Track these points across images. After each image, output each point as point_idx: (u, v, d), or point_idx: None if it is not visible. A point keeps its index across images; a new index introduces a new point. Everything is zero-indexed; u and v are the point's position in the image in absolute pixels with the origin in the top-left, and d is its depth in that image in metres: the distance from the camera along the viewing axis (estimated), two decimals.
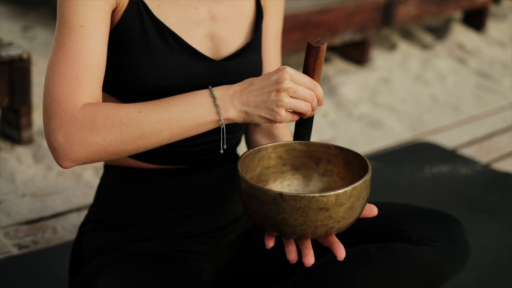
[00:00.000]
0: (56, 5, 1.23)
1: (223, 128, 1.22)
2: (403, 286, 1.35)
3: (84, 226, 1.45)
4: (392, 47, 4.13)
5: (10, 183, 2.30)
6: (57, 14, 1.21)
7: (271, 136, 1.47)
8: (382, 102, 3.43)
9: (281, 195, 1.12)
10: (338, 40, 3.52)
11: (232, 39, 1.37)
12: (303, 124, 1.28)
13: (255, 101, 1.19)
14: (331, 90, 3.45)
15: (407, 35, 4.36)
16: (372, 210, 1.26)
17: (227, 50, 1.36)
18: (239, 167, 1.20)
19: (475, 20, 4.55)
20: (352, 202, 1.15)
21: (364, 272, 1.33)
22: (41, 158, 2.45)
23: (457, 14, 4.72)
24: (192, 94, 1.20)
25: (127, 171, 1.39)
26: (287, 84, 1.18)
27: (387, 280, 1.34)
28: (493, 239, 2.15)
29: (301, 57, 3.70)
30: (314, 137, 2.86)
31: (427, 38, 4.37)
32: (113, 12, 1.25)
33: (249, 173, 1.27)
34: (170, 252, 1.39)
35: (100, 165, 2.39)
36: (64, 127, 1.15)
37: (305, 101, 1.20)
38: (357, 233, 1.39)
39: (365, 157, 1.24)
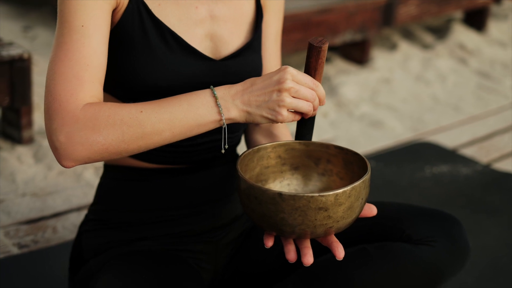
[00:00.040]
0: (56, 5, 1.23)
1: (224, 128, 1.22)
2: (403, 286, 1.35)
3: (84, 226, 1.45)
4: (392, 47, 4.13)
5: (10, 183, 2.30)
6: (58, 14, 1.22)
7: (271, 135, 1.47)
8: (382, 102, 3.43)
9: (280, 194, 1.12)
10: (339, 40, 3.52)
11: (232, 39, 1.37)
12: (305, 124, 1.28)
13: (257, 101, 1.19)
14: (331, 90, 3.45)
15: (408, 35, 4.36)
16: (371, 210, 1.26)
17: (227, 49, 1.36)
18: (238, 167, 1.20)
19: (476, 20, 4.55)
20: (351, 202, 1.15)
21: (364, 271, 1.33)
22: (42, 158, 2.45)
23: (458, 14, 4.72)
24: (194, 94, 1.20)
25: (127, 171, 1.39)
26: (289, 84, 1.18)
27: (387, 279, 1.34)
28: (493, 239, 2.15)
29: (301, 57, 3.70)
30: (315, 137, 2.86)
31: (428, 38, 4.37)
32: (113, 11, 1.25)
33: (248, 172, 1.27)
34: (170, 251, 1.40)
35: (100, 164, 2.40)
36: (65, 126, 1.15)
37: (307, 101, 1.20)
38: (356, 232, 1.39)
39: (364, 157, 1.24)
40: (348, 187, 1.13)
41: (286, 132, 1.49)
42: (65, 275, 1.69)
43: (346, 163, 1.29)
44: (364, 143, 2.93)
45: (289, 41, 3.19)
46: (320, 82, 1.23)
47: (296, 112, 1.22)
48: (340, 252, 1.19)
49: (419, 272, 1.35)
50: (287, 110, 1.20)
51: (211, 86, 1.21)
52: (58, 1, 1.21)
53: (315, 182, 1.33)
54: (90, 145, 1.15)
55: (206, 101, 1.19)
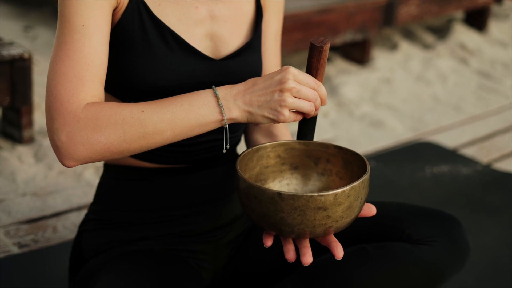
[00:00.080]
0: (57, 5, 1.23)
1: (226, 128, 1.22)
2: (403, 286, 1.35)
3: (84, 225, 1.45)
4: (393, 47, 4.13)
5: (11, 182, 2.30)
6: (58, 14, 1.22)
7: (271, 135, 1.47)
8: (383, 102, 3.43)
9: (279, 194, 1.12)
10: (339, 40, 3.52)
11: (232, 39, 1.37)
12: (307, 124, 1.28)
13: (258, 101, 1.19)
14: (332, 90, 3.45)
15: (409, 35, 4.36)
16: (370, 210, 1.26)
17: (226, 49, 1.36)
18: (238, 166, 1.21)
19: (477, 20, 4.55)
20: (350, 201, 1.15)
21: (363, 271, 1.33)
22: (42, 157, 2.45)
23: (459, 14, 4.72)
24: (196, 94, 1.20)
25: (127, 170, 1.39)
26: (291, 84, 1.18)
27: (386, 279, 1.34)
28: (493, 239, 2.15)
29: (302, 57, 3.70)
30: (315, 137, 2.87)
31: (429, 38, 4.37)
32: (114, 11, 1.25)
33: (248, 172, 1.27)
34: (170, 251, 1.40)
35: (100, 164, 2.40)
36: (67, 126, 1.15)
37: (309, 101, 1.20)
38: (355, 232, 1.39)
39: (364, 157, 1.24)
40: (347, 187, 1.14)
41: (286, 131, 1.49)
42: (65, 275, 1.69)
43: (345, 163, 1.29)
44: (365, 143, 2.93)
45: (290, 41, 3.19)
46: (321, 82, 1.23)
47: (297, 112, 1.22)
48: (339, 252, 1.19)
49: (419, 272, 1.35)
50: (289, 110, 1.20)
51: (213, 86, 1.21)
52: (59, 1, 1.22)
53: (315, 182, 1.33)
54: (92, 145, 1.15)
55: (208, 101, 1.20)
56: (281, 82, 1.18)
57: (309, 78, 1.20)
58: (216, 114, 1.20)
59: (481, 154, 2.86)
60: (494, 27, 4.66)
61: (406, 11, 3.86)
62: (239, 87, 1.21)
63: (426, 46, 4.25)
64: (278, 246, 1.34)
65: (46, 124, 1.18)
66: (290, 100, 1.18)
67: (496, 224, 2.25)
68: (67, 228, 2.06)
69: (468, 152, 2.87)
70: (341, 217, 1.15)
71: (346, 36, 3.54)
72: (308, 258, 1.17)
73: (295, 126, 2.86)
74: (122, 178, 1.39)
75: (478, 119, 3.29)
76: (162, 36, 1.27)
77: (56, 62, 1.18)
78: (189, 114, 1.19)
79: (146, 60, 1.27)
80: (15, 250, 1.93)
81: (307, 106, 1.20)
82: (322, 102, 1.23)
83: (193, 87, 1.27)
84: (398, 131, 3.10)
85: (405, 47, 4.11)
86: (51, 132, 1.16)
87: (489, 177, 2.61)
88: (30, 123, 2.49)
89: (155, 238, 1.40)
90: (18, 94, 2.39)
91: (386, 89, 3.59)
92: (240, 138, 1.48)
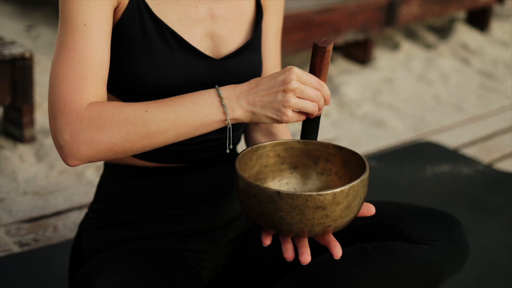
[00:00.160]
0: (58, 4, 1.23)
1: (229, 128, 1.22)
2: (402, 286, 1.35)
3: (84, 224, 1.45)
4: (395, 47, 4.12)
5: (12, 181, 2.31)
6: (60, 13, 1.22)
7: (270, 134, 1.47)
8: (384, 102, 3.43)
9: (278, 193, 1.12)
10: (341, 39, 3.52)
11: (232, 38, 1.37)
12: (310, 124, 1.28)
13: (262, 101, 1.19)
14: (333, 90, 3.45)
15: (410, 35, 4.36)
16: (369, 209, 1.26)
17: (226, 48, 1.36)
18: (237, 165, 1.21)
19: (479, 20, 4.54)
20: (349, 201, 1.15)
21: (362, 271, 1.33)
22: (43, 157, 2.45)
23: (461, 14, 4.72)
24: (199, 94, 1.20)
25: (128, 169, 1.39)
26: (294, 84, 1.18)
27: (386, 279, 1.34)
28: (493, 239, 2.15)
29: (303, 57, 3.70)
30: (318, 137, 2.87)
31: (431, 38, 4.37)
32: (114, 10, 1.25)
33: (247, 171, 1.27)
34: (170, 250, 1.40)
35: (101, 163, 2.40)
36: (70, 125, 1.15)
37: (312, 101, 1.20)
38: (355, 232, 1.39)
39: (363, 157, 1.24)
40: (346, 186, 1.14)
41: (286, 131, 1.50)
42: (66, 274, 1.69)
43: (345, 163, 1.29)
44: (366, 143, 2.93)
45: (291, 41, 3.19)
46: (325, 82, 1.23)
47: (301, 112, 1.22)
48: (337, 251, 1.19)
49: (419, 272, 1.35)
50: (292, 110, 1.20)
51: (216, 86, 1.21)
52: (60, 1, 1.22)
53: (314, 181, 1.33)
54: (95, 144, 1.16)
55: (211, 101, 1.20)
56: (285, 82, 1.18)
57: (312, 78, 1.20)
58: (220, 114, 1.20)
59: (482, 154, 2.86)
60: (496, 27, 4.65)
61: (407, 11, 3.86)
62: (243, 87, 1.21)
63: (428, 46, 4.25)
64: (278, 245, 1.34)
65: (49, 124, 1.18)
66: (293, 100, 1.18)
67: (497, 224, 2.25)
68: (68, 227, 2.06)
69: (469, 152, 2.87)
70: (340, 216, 1.15)
71: (348, 36, 3.54)
72: (306, 257, 1.17)
73: (297, 126, 2.86)
74: (122, 177, 1.40)
75: (479, 119, 3.29)
76: (162, 36, 1.27)
77: (58, 61, 1.19)
78: (193, 114, 1.19)
79: (146, 59, 1.27)
80: (16, 249, 1.93)
81: (310, 107, 1.20)
82: (326, 102, 1.23)
83: (193, 87, 1.27)
84: (399, 131, 3.10)
85: (407, 47, 4.11)
86: (54, 131, 1.17)
87: (490, 177, 2.61)
88: (31, 122, 2.50)
89: (155, 237, 1.40)
90: (19, 93, 2.39)
91: (387, 89, 3.58)
92: (240, 138, 1.48)
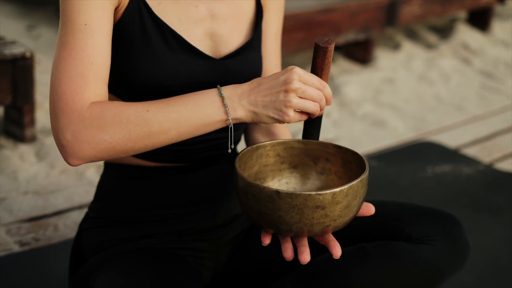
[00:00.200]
0: (59, 4, 1.23)
1: (231, 127, 1.22)
2: (402, 285, 1.35)
3: (84, 223, 1.45)
4: (396, 46, 4.12)
5: (12, 181, 2.31)
6: (60, 13, 1.22)
7: (270, 134, 1.47)
8: (385, 102, 3.43)
9: (277, 192, 1.12)
10: (342, 39, 3.52)
11: (232, 38, 1.37)
12: (312, 123, 1.28)
13: (264, 101, 1.20)
14: (334, 90, 3.45)
15: (411, 35, 4.36)
16: (369, 209, 1.26)
17: (226, 48, 1.36)
18: (237, 165, 1.21)
19: (480, 20, 4.54)
20: (348, 200, 1.15)
21: (361, 270, 1.33)
22: (44, 156, 2.46)
23: (462, 14, 4.72)
24: (201, 93, 1.20)
25: (128, 168, 1.39)
26: (296, 84, 1.18)
27: (386, 278, 1.34)
28: (493, 239, 2.15)
29: (304, 57, 3.70)
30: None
31: (432, 38, 4.37)
32: (115, 10, 1.25)
33: (247, 170, 1.27)
34: (170, 249, 1.40)
35: (101, 163, 2.40)
36: (72, 125, 1.15)
37: (314, 101, 1.20)
38: (354, 231, 1.39)
39: (363, 156, 1.24)
40: (346, 186, 1.14)
41: (286, 130, 1.50)
42: (66, 273, 1.69)
43: (344, 162, 1.29)
44: (367, 143, 2.93)
45: (292, 40, 3.19)
46: (326, 82, 1.23)
47: (302, 112, 1.22)
48: (337, 250, 1.19)
49: (419, 272, 1.35)
50: (294, 110, 1.20)
51: (218, 86, 1.21)
52: (60, 1, 1.22)
53: (314, 181, 1.33)
54: (97, 144, 1.16)
55: (213, 101, 1.20)
56: (286, 82, 1.18)
57: (314, 78, 1.20)
58: (221, 113, 1.20)
59: (483, 154, 2.86)
60: (497, 27, 4.65)
61: (408, 11, 3.86)
62: (244, 87, 1.21)
63: (429, 46, 4.25)
64: (277, 245, 1.34)
65: (50, 123, 1.19)
66: (295, 100, 1.18)
67: (497, 224, 2.25)
68: (68, 226, 2.06)
69: (470, 152, 2.87)
70: (339, 216, 1.15)
71: (349, 36, 3.54)
72: (306, 256, 1.17)
73: (297, 125, 2.86)
74: (122, 176, 1.40)
75: (480, 119, 3.29)
76: (162, 35, 1.27)
77: (59, 61, 1.19)
78: (194, 113, 1.19)
79: (146, 59, 1.27)
80: (16, 248, 1.93)
81: (312, 107, 1.20)
82: (327, 102, 1.23)
83: (193, 87, 1.27)
84: (400, 130, 3.10)
85: (408, 47, 4.11)
86: (56, 131, 1.17)
87: (490, 177, 2.61)
88: (32, 122, 2.50)
89: (155, 236, 1.40)
90: (20, 93, 2.39)
91: (388, 89, 3.58)
92: (241, 137, 1.48)
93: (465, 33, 4.42)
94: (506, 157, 2.85)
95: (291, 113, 1.19)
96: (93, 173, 2.39)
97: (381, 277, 1.34)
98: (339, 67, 3.72)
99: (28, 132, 2.50)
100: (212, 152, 1.39)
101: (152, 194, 1.39)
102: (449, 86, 3.75)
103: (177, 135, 1.19)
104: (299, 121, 1.22)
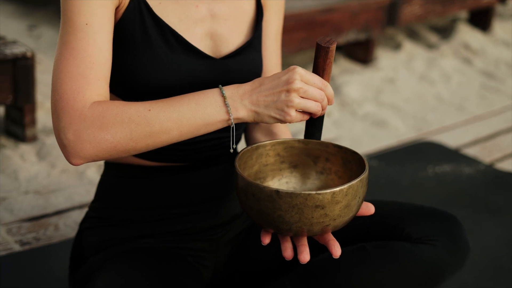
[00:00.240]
0: (60, 4, 1.23)
1: (232, 127, 1.22)
2: (402, 285, 1.35)
3: (84, 223, 1.45)
4: (397, 46, 4.12)
5: (13, 180, 2.31)
6: (61, 13, 1.22)
7: (270, 134, 1.47)
8: (386, 102, 3.43)
9: (277, 192, 1.12)
10: (343, 39, 3.52)
11: (232, 37, 1.37)
12: (314, 123, 1.28)
13: (265, 101, 1.20)
14: (335, 89, 3.45)
15: (412, 35, 4.36)
16: (369, 209, 1.26)
17: (227, 48, 1.36)
18: (237, 164, 1.21)
19: (481, 20, 4.54)
20: (348, 200, 1.15)
21: (361, 270, 1.33)
22: (45, 156, 2.46)
23: (463, 14, 4.72)
24: (202, 93, 1.21)
25: (128, 168, 1.39)
26: (298, 84, 1.18)
27: (386, 278, 1.34)
28: (493, 239, 2.15)
29: (305, 56, 3.70)
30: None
31: (433, 38, 4.36)
32: (115, 9, 1.25)
33: (247, 170, 1.27)
34: (171, 249, 1.40)
35: (102, 162, 2.40)
36: (73, 124, 1.16)
37: (315, 101, 1.20)
38: (354, 231, 1.40)
39: (363, 156, 1.24)
40: (345, 186, 1.14)
41: (286, 130, 1.50)
42: (66, 273, 1.69)
43: (344, 162, 1.29)
44: (368, 143, 2.93)
45: (293, 40, 3.19)
46: (328, 82, 1.23)
47: (304, 112, 1.22)
48: (336, 250, 1.19)
49: (419, 271, 1.35)
50: (296, 110, 1.20)
51: (220, 86, 1.21)
52: (61, 0, 1.22)
53: (314, 181, 1.33)
54: (98, 143, 1.16)
55: (215, 101, 1.20)
56: (288, 82, 1.18)
57: (316, 78, 1.20)
58: (223, 113, 1.20)
59: (483, 154, 2.86)
60: (498, 27, 4.65)
61: (409, 11, 3.86)
62: (246, 86, 1.21)
63: (430, 46, 4.25)
64: (277, 244, 1.34)
65: (52, 123, 1.19)
66: (297, 100, 1.18)
67: (498, 224, 2.25)
68: (69, 226, 2.06)
69: (471, 152, 2.87)
70: (339, 215, 1.15)
71: (350, 36, 3.54)
72: (305, 256, 1.17)
73: (298, 125, 2.86)
74: (123, 176, 1.40)
75: (481, 119, 3.29)
76: (162, 35, 1.27)
77: (60, 61, 1.19)
78: (196, 113, 1.19)
79: (147, 59, 1.27)
80: (17, 247, 1.94)
81: (314, 106, 1.20)
82: (329, 102, 1.23)
83: (194, 86, 1.28)
84: (401, 130, 3.10)
85: (409, 47, 4.11)
86: (58, 130, 1.17)
87: (491, 177, 2.61)
88: (33, 122, 2.50)
89: (155, 236, 1.40)
90: (21, 93, 2.39)
91: (389, 89, 3.58)
92: (241, 137, 1.49)
93: (466, 33, 4.42)
94: (506, 157, 2.85)
95: (293, 113, 1.19)
96: (94, 172, 2.39)
97: (381, 277, 1.34)
98: (340, 67, 3.72)
99: (29, 132, 2.50)
100: (213, 152, 1.39)
101: (153, 193, 1.39)
102: (450, 86, 3.75)
103: (179, 134, 1.19)
104: (301, 121, 1.22)
